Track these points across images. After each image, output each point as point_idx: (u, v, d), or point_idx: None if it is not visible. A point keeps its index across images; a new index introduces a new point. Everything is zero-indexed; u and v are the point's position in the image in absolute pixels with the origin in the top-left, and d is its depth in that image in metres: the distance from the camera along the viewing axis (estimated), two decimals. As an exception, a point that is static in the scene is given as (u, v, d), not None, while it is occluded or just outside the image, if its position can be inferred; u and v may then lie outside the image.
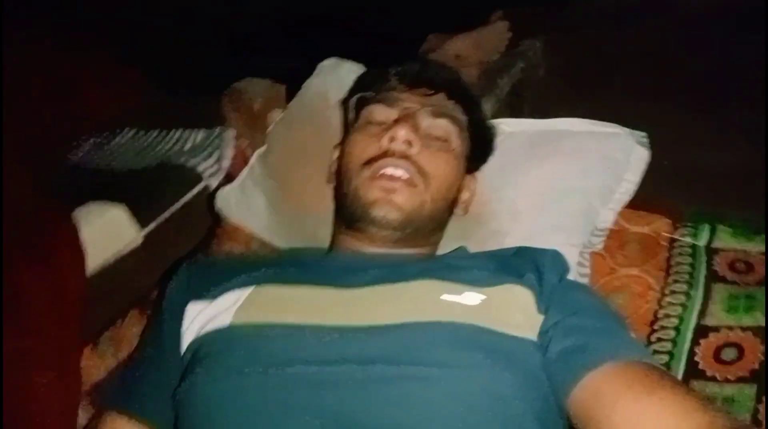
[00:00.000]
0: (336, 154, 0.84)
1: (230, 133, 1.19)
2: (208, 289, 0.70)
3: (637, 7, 1.35)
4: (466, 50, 1.29)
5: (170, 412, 0.65)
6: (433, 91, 0.79)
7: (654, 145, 0.92)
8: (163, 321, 0.73)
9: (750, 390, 0.71)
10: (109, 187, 1.10)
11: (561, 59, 1.27)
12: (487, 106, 1.10)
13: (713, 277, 0.84)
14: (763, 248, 0.84)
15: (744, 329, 0.76)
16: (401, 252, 0.75)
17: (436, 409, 0.55)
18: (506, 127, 0.94)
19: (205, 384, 0.60)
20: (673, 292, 0.83)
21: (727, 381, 0.73)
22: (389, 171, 0.71)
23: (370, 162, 0.73)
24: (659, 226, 0.91)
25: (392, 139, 0.72)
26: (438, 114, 0.77)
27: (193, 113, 1.31)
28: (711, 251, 0.87)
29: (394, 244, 0.74)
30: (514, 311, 0.64)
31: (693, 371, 0.75)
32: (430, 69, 0.85)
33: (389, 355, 0.58)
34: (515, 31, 1.33)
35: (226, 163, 1.16)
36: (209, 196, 1.07)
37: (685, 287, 0.83)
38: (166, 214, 1.07)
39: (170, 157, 1.19)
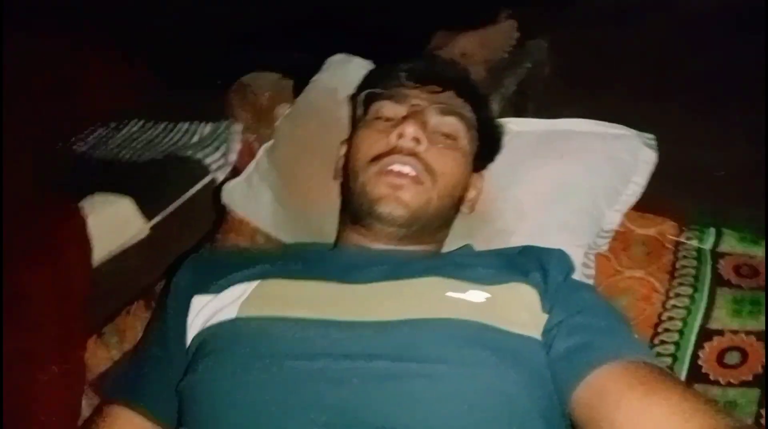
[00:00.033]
0: (343, 149, 0.84)
1: (237, 127, 1.19)
2: (214, 283, 0.70)
3: (637, 7, 1.35)
4: (472, 48, 1.29)
5: (174, 404, 0.65)
6: (441, 89, 0.79)
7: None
8: (168, 314, 0.73)
9: (753, 394, 0.71)
10: (116, 178, 1.11)
11: (562, 58, 1.27)
12: (493, 104, 1.10)
13: (718, 280, 0.84)
14: (768, 252, 0.84)
15: (748, 333, 0.77)
16: (407, 249, 0.75)
17: (440, 405, 0.55)
18: (514, 127, 0.93)
19: (209, 377, 0.60)
20: (677, 295, 0.83)
21: (730, 385, 0.73)
22: (396, 167, 0.71)
23: (377, 158, 0.73)
24: (665, 228, 0.91)
25: (400, 136, 0.72)
26: (446, 111, 0.77)
27: (200, 107, 1.31)
28: (716, 255, 0.87)
29: (399, 240, 0.74)
30: (518, 309, 0.64)
31: (696, 374, 0.75)
32: (439, 66, 0.85)
33: (394, 351, 0.58)
34: (522, 31, 1.33)
35: (232, 157, 1.17)
36: (215, 189, 1.07)
37: (689, 290, 0.83)
38: (173, 206, 1.07)
39: (177, 150, 1.20)
